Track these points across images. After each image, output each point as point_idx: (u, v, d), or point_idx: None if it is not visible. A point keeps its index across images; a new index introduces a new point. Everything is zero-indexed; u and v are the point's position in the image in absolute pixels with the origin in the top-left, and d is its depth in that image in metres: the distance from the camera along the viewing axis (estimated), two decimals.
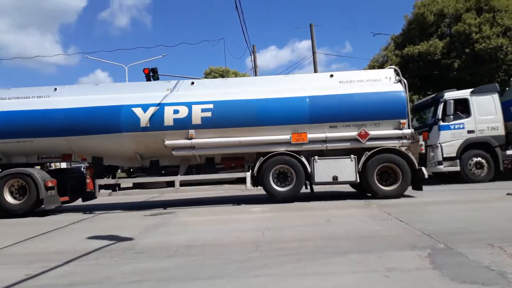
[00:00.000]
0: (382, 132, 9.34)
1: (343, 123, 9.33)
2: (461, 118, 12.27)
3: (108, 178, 10.55)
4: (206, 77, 30.18)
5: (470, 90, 12.51)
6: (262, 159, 9.45)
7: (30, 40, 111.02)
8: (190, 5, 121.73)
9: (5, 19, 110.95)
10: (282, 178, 9.59)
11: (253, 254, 4.62)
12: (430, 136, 12.54)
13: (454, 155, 12.08)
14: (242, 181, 9.72)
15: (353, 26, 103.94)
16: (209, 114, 9.37)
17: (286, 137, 9.34)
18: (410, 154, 9.28)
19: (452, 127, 12.25)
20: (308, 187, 9.83)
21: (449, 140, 12.20)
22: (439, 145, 12.20)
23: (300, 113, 9.35)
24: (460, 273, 3.51)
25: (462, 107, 12.35)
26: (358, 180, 9.32)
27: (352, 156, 9.28)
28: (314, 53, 21.39)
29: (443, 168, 12.20)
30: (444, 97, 12.45)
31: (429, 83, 17.98)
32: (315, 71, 21.23)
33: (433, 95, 13.68)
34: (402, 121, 9.30)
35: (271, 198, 9.58)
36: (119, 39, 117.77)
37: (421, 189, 9.41)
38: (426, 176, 9.47)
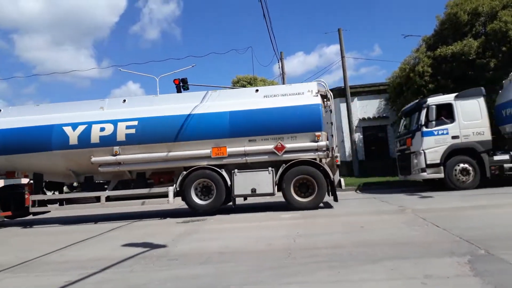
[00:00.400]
0: (298, 145, 9.44)
1: (261, 137, 9.50)
2: (445, 123, 11.82)
3: (54, 193, 11.15)
4: (234, 86, 30.46)
5: (455, 94, 12.13)
6: (184, 173, 9.73)
7: (65, 56, 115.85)
8: (218, 15, 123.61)
9: (43, 37, 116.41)
10: (206, 191, 9.82)
11: (285, 261, 4.58)
12: (413, 142, 12.24)
13: (438, 161, 11.62)
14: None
15: (382, 28, 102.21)
16: (133, 131, 9.74)
17: (207, 151, 9.60)
18: (325, 166, 9.39)
19: (435, 133, 11.82)
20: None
21: (433, 146, 11.75)
22: (422, 151, 11.79)
23: (220, 127, 9.59)
24: (503, 280, 3.35)
25: (447, 112, 11.90)
26: (276, 193, 9.43)
27: (270, 168, 9.42)
28: (343, 57, 21.17)
29: (426, 175, 11.82)
30: (427, 102, 12.07)
31: (463, 84, 17.35)
32: (344, 76, 21.01)
33: (417, 100, 13.30)
34: (317, 133, 9.37)
35: (192, 211, 9.78)
36: (150, 52, 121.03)
37: (336, 200, 9.60)
38: (343, 187, 9.78)
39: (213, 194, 9.69)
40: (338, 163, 9.79)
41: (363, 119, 21.88)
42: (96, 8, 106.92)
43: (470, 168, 11.54)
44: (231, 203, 9.97)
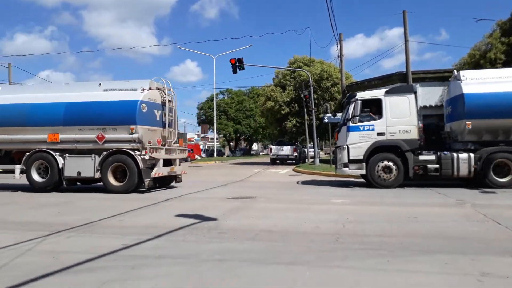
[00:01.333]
0: (116, 136, 10.65)
1: (88, 127, 10.83)
2: (372, 119, 11.43)
3: None
4: (290, 67, 30.11)
5: (385, 89, 11.74)
6: (27, 154, 11.27)
7: (128, 33, 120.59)
8: None
9: (109, 13, 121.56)
10: (44, 171, 11.29)
11: (333, 245, 4.55)
12: (339, 136, 12.04)
13: (361, 157, 11.26)
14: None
15: (451, 12, 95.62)
16: None
17: (45, 136, 11.10)
18: (137, 156, 10.42)
19: (361, 128, 11.42)
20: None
21: (357, 142, 11.38)
22: (346, 146, 11.45)
23: (55, 117, 11.05)
24: None
25: (376, 108, 11.46)
26: (96, 177, 10.73)
27: (93, 155, 10.73)
28: (406, 41, 20.12)
29: (348, 170, 11.56)
30: (356, 97, 11.67)
31: None
32: (407, 61, 20.00)
33: (349, 94, 12.74)
34: (131, 126, 10.51)
35: (31, 187, 11.31)
36: (208, 30, 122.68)
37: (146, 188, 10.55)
38: (153, 176, 10.62)
39: (48, 174, 11.17)
40: (147, 154, 10.58)
41: (424, 106, 20.80)
42: None
43: (393, 167, 11.15)
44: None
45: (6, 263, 3.93)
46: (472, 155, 10.95)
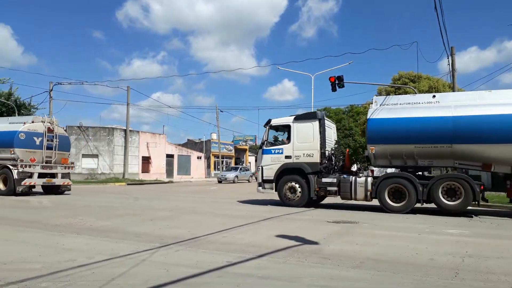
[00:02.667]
0: (3, 155, 15.63)
1: None
2: (283, 143, 12.63)
3: None
4: (394, 83, 28.77)
5: (294, 116, 12.69)
6: None
7: (231, 55, 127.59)
8: (378, 11, 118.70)
9: (212, 38, 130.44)
10: None
11: (452, 281, 4.07)
12: (257, 158, 13.41)
13: (272, 178, 12.35)
14: None
15: None
16: None
17: None
18: (13, 170, 15.06)
19: (273, 151, 12.60)
20: None
21: (269, 163, 12.54)
22: (261, 167, 12.72)
23: None
24: None
25: (287, 133, 12.57)
26: None
27: None
28: None
29: (262, 190, 12.72)
30: (270, 123, 12.92)
31: None
32: None
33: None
34: (11, 149, 15.38)
35: None
36: (306, 50, 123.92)
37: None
38: (23, 184, 15.11)
39: None
40: (31, 170, 15.51)
41: None
42: (259, 9, 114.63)
43: (297, 187, 12.01)
44: None
45: (125, 271, 4.26)
46: (369, 179, 11.25)
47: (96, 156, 33.99)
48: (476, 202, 10.40)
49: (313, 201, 12.22)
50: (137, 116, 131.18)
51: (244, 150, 58.34)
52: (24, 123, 16.02)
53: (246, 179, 37.52)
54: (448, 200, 10.36)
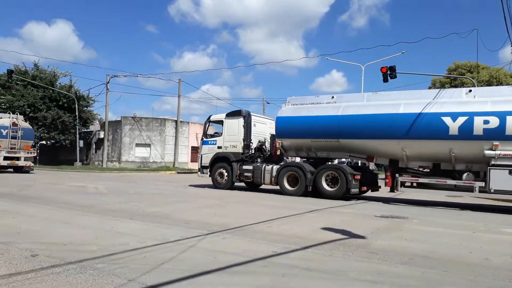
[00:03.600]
0: None
1: None
2: (218, 136, 15.11)
3: None
4: (450, 74, 27.32)
5: (226, 113, 15.10)
6: None
7: (278, 47, 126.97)
8: None
9: (261, 30, 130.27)
10: None
11: (509, 283, 3.84)
12: (199, 147, 16.07)
13: (208, 164, 14.90)
14: None
15: None
16: None
17: None
18: None
19: (209, 142, 15.23)
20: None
21: (206, 152, 15.18)
22: (200, 155, 15.50)
23: None
24: None
25: (222, 127, 14.95)
26: None
27: None
28: None
29: (200, 174, 15.49)
30: (210, 118, 15.56)
31: None
32: None
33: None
34: None
35: None
36: (356, 40, 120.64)
37: None
38: None
39: None
40: None
41: None
42: (308, 0, 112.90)
43: (224, 172, 14.53)
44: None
45: (174, 256, 4.43)
46: (274, 167, 13.43)
47: (148, 145, 35.36)
48: (349, 190, 11.83)
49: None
50: (187, 107, 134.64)
51: None
52: None
53: None
54: (329, 187, 12.20)
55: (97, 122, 39.01)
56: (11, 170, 23.13)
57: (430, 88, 29.14)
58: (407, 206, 11.10)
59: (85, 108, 35.53)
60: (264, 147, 15.00)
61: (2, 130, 22.22)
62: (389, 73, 18.79)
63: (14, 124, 22.90)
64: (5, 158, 22.04)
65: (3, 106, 30.25)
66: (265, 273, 3.93)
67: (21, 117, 24.32)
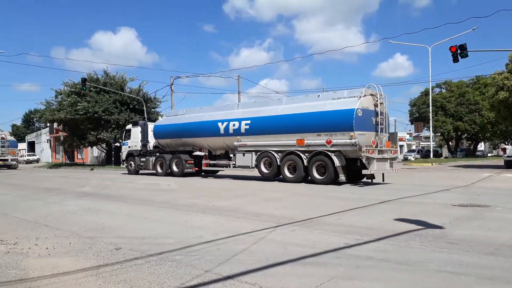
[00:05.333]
0: None
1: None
2: (129, 139, 22.63)
3: None
4: None
5: (132, 123, 24.59)
6: None
7: (336, 35, 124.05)
8: None
9: (317, 19, 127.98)
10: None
11: None
12: (121, 148, 24.42)
13: (124, 158, 22.84)
14: None
15: None
16: None
17: None
18: None
19: (124, 144, 23.12)
20: None
21: (124, 150, 23.04)
22: (121, 153, 23.68)
23: None
24: None
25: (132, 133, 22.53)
26: None
27: None
28: None
29: (124, 165, 23.80)
30: (126, 128, 24.08)
31: None
32: None
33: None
34: None
35: None
36: (419, 20, 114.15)
37: None
38: None
39: None
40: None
41: None
42: None
43: (132, 163, 21.93)
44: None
45: (246, 248, 4.53)
46: (151, 158, 20.37)
47: None
48: (184, 170, 18.51)
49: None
50: None
51: None
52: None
53: None
54: (177, 169, 18.98)
55: None
56: (5, 168, 35.45)
57: (507, 64, 26.76)
58: (487, 194, 10.32)
59: (153, 110, 37.33)
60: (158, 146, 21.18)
61: None
62: (459, 52, 17.62)
63: (2, 138, 36.47)
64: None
65: (80, 112, 32.74)
66: (338, 264, 3.87)
67: (7, 132, 40.08)
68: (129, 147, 22.27)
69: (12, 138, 39.17)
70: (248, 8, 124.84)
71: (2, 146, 36.06)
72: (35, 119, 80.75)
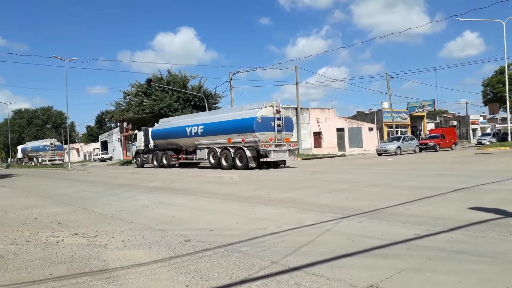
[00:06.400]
0: None
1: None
2: (137, 141, 29.70)
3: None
4: None
5: (138, 129, 31.23)
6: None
7: (397, 17, 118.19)
8: None
9: (376, 1, 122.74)
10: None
11: None
12: (132, 147, 32.64)
13: (133, 155, 30.36)
14: None
15: None
16: None
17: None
18: None
19: (133, 144, 30.61)
20: None
21: (133, 150, 30.57)
22: (131, 152, 32.26)
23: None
24: None
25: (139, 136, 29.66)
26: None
27: None
28: None
29: (133, 161, 32.07)
30: (135, 132, 31.27)
31: None
32: None
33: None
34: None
35: None
36: None
37: None
38: None
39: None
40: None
41: None
42: None
43: (138, 159, 29.19)
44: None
45: (311, 240, 4.50)
46: (151, 154, 27.27)
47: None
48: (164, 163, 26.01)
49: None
50: (305, 94, 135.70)
51: (421, 117, 53.76)
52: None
53: (411, 150, 32.62)
54: (166, 161, 25.78)
55: None
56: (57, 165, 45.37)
57: None
58: None
59: (214, 105, 38.30)
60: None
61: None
62: None
63: (51, 144, 51.13)
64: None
65: (147, 111, 34.51)
66: (409, 255, 3.72)
67: (55, 140, 54.27)
68: (136, 147, 29.45)
69: (58, 143, 53.68)
70: None
71: (52, 150, 50.05)
72: (106, 120, 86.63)
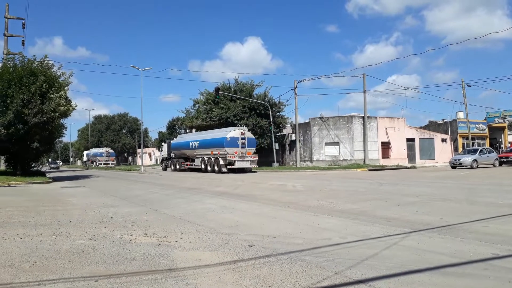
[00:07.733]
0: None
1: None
2: (163, 150, 41.14)
3: None
4: None
5: (164, 141, 46.60)
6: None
7: (476, 22, 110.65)
8: None
9: (451, 7, 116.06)
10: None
11: None
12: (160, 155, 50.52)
13: (160, 162, 48.70)
14: None
15: None
16: None
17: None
18: None
19: (160, 153, 48.34)
20: None
21: (160, 157, 49.34)
22: (159, 158, 54.78)
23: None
24: None
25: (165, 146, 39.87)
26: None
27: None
28: None
29: (160, 166, 44.10)
30: (162, 143, 49.08)
31: None
32: None
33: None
34: None
35: None
36: None
37: None
38: None
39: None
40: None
41: None
42: None
43: (164, 164, 38.74)
44: None
45: (377, 253, 4.36)
46: (170, 161, 36.93)
47: (337, 143, 35.90)
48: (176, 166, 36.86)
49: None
50: (373, 102, 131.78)
51: (502, 129, 49.54)
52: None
53: (489, 164, 29.61)
54: (179, 166, 35.66)
55: (289, 125, 41.80)
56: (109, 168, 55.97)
57: None
58: None
59: (278, 114, 38.55)
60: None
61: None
62: None
63: (106, 151, 66.61)
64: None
65: (214, 119, 35.73)
66: (486, 276, 3.46)
67: (109, 148, 69.67)
68: (162, 155, 39.54)
69: (111, 151, 69.32)
70: (373, 3, 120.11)
71: (106, 156, 66.13)
72: (177, 126, 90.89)
